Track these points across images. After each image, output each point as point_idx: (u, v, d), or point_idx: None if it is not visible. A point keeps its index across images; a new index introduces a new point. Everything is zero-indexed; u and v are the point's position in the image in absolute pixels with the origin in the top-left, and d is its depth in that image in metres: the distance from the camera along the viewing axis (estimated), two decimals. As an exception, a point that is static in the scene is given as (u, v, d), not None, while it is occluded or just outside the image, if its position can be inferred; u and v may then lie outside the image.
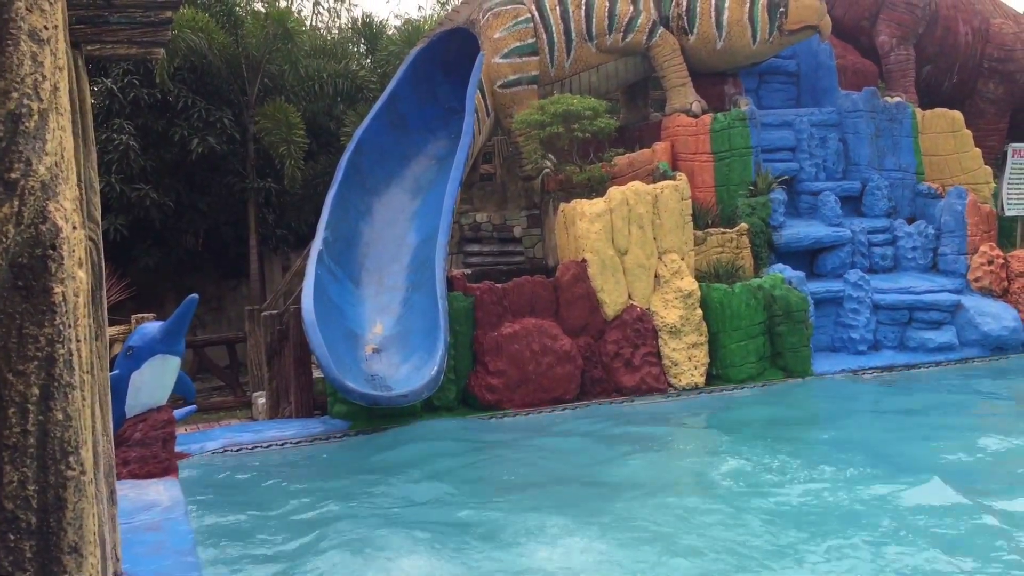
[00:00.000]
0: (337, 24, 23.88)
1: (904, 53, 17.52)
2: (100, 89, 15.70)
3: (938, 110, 16.32)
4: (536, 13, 15.03)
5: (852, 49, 18.01)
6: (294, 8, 21.72)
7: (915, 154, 15.79)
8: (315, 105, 18.52)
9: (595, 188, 13.52)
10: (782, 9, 14.63)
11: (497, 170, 16.39)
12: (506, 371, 11.86)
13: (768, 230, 14.14)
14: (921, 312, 14.00)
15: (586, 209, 12.71)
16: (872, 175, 15.33)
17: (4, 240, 1.43)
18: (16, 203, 1.43)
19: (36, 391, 1.45)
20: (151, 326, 9.35)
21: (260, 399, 12.73)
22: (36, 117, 1.46)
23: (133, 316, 11.68)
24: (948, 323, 14.02)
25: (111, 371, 7.75)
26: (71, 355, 1.49)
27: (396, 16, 38.94)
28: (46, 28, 1.51)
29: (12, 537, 1.44)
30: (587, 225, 12.62)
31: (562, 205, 13.41)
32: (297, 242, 17.94)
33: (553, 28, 15.00)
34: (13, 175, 1.43)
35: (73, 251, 1.51)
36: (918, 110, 16.13)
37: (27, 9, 1.46)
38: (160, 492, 7.89)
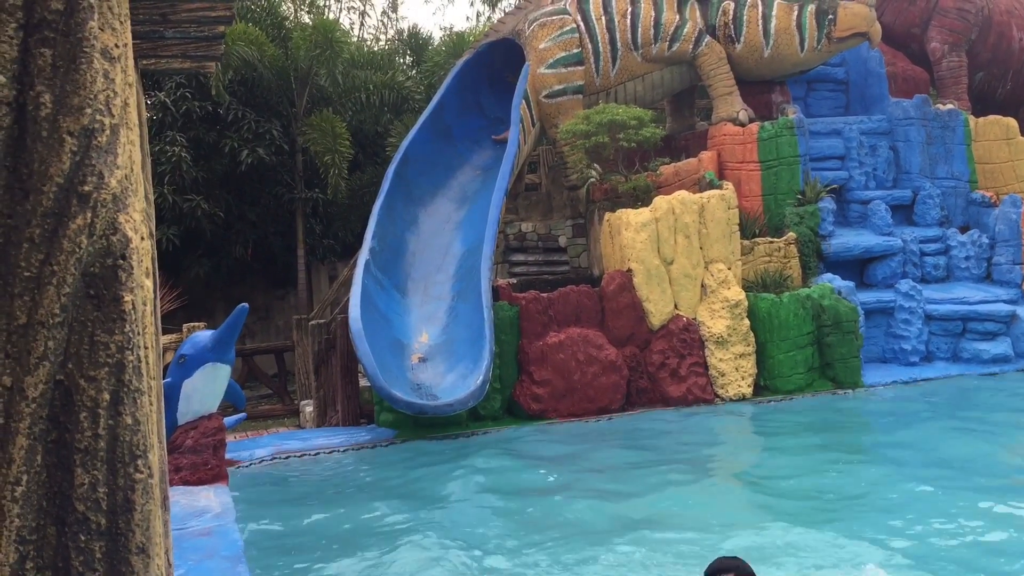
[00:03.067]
0: (384, 35, 24.14)
1: (956, 60, 17.24)
2: (154, 102, 16.05)
3: (992, 117, 16.04)
4: (582, 23, 15.06)
5: (902, 56, 17.77)
6: (343, 21, 21.99)
7: (968, 162, 15.52)
8: (361, 116, 18.74)
9: (640, 198, 13.49)
10: (831, 16, 14.50)
11: (542, 180, 16.43)
12: (551, 380, 11.85)
13: (817, 239, 13.98)
14: (975, 323, 13.73)
15: (632, 219, 12.68)
16: (924, 183, 15.09)
17: (77, 251, 1.48)
18: (89, 215, 1.48)
19: (107, 396, 1.50)
20: (202, 335, 9.52)
21: (308, 407, 12.87)
22: (108, 132, 1.51)
23: (185, 325, 11.91)
24: (1003, 334, 13.72)
25: (164, 379, 7.90)
26: (140, 361, 1.54)
27: (441, 28, 39.24)
28: (117, 47, 1.56)
29: (83, 538, 1.49)
30: (633, 235, 12.59)
31: (607, 215, 13.39)
32: (344, 252, 18.14)
33: (599, 38, 15.01)
34: (86, 188, 1.48)
35: (141, 261, 1.56)
36: (971, 117, 15.86)
37: (100, 28, 1.51)
38: (211, 498, 8.01)
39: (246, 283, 18.04)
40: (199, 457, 8.89)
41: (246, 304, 9.02)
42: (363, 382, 12.12)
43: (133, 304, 1.52)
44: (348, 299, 12.01)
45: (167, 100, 16.28)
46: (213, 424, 9.11)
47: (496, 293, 12.23)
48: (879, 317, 13.80)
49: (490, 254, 12.32)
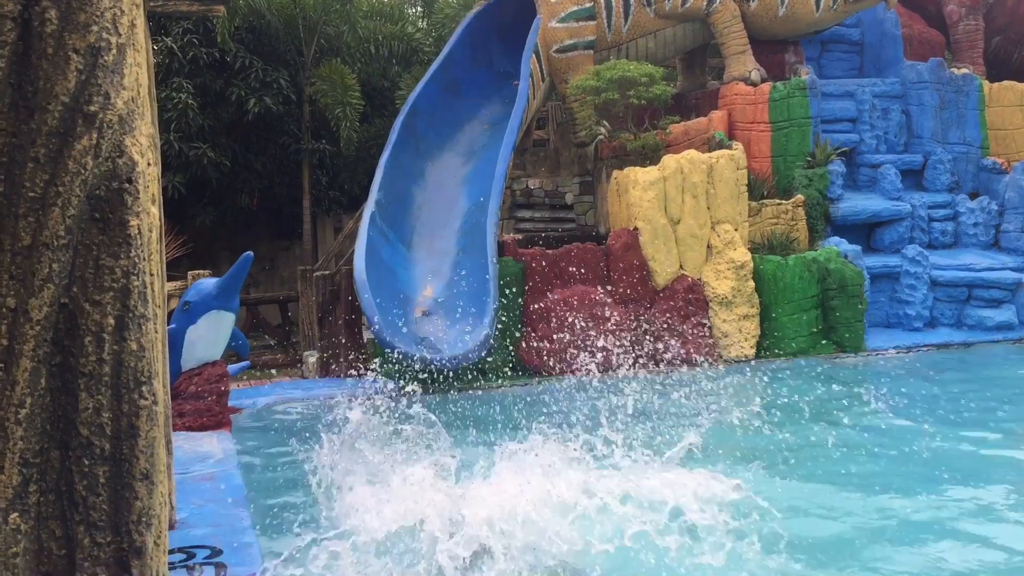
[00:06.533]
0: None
1: (973, 23, 16.99)
2: (161, 48, 15.88)
3: (1006, 83, 15.85)
4: (594, -23, 14.84)
5: (919, 18, 17.52)
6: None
7: (981, 128, 15.36)
8: (370, 67, 18.55)
9: (649, 156, 13.39)
10: (848, -24, 14.27)
11: (550, 136, 16.30)
12: (555, 337, 11.86)
13: (825, 202, 13.90)
14: (980, 290, 13.69)
15: (639, 177, 12.60)
16: (935, 148, 14.96)
17: (83, 172, 1.45)
18: (95, 136, 1.45)
19: (112, 321, 1.48)
20: (207, 282, 9.53)
21: (311, 358, 12.90)
22: (114, 51, 1.47)
23: (189, 272, 11.91)
24: (1008, 302, 13.69)
25: (168, 325, 7.91)
26: (145, 287, 1.52)
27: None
28: (124, -36, 1.52)
29: (87, 462, 1.48)
30: (640, 193, 12.52)
31: (615, 172, 13.31)
32: (350, 204, 18.07)
33: (611, -8, 14.80)
34: (92, 108, 1.45)
35: (148, 186, 1.54)
36: (985, 82, 15.67)
37: (106, -56, 1.47)
38: (213, 444, 8.07)
39: (251, 233, 18.01)
40: (202, 403, 8.95)
41: (251, 253, 9.00)
42: (367, 334, 12.15)
43: (139, 229, 1.50)
44: (353, 251, 12.00)
45: (174, 46, 16.11)
46: (217, 371, 9.15)
47: (502, 249, 12.20)
48: (885, 282, 13.76)
49: (496, 209, 12.27)
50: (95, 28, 1.45)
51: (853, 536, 5.84)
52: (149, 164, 1.56)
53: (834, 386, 10.48)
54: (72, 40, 1.43)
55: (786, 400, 9.43)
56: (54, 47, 1.42)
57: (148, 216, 1.54)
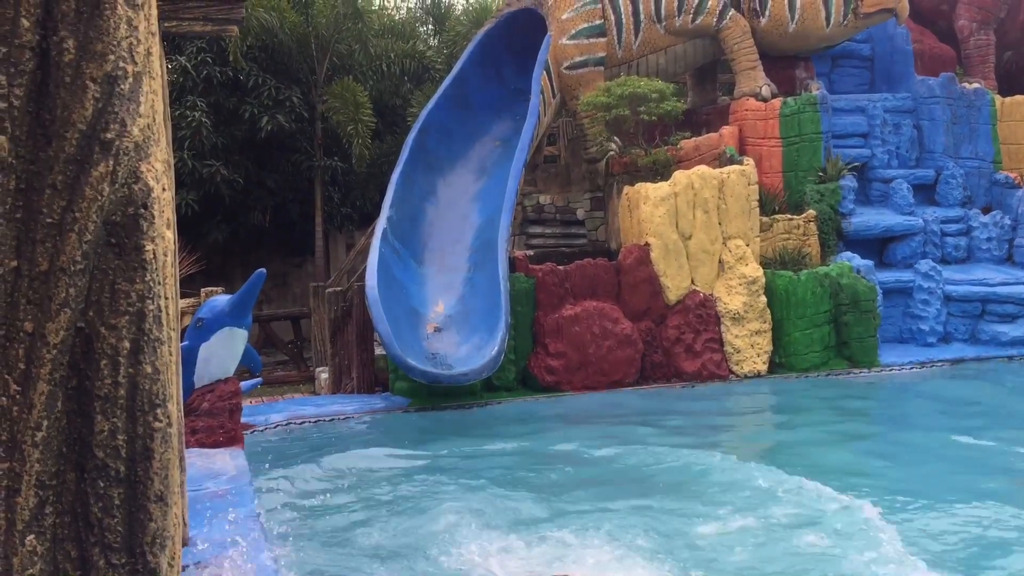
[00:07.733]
0: (405, 4, 23.96)
1: (984, 38, 16.98)
2: (175, 67, 16.02)
3: (1018, 97, 15.80)
4: (605, -6, 14.90)
5: (929, 33, 17.52)
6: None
7: (993, 142, 15.32)
8: (382, 85, 18.66)
9: (660, 172, 13.41)
10: (858, -9, 14.29)
11: (561, 152, 16.35)
12: (566, 353, 11.86)
13: (837, 217, 13.88)
14: (994, 305, 13.62)
15: (650, 193, 12.61)
16: (947, 163, 14.92)
17: (99, 198, 1.48)
18: (111, 163, 1.47)
19: (127, 345, 1.50)
20: (220, 299, 9.54)
21: (323, 374, 12.93)
22: (131, 80, 1.50)
23: (202, 289, 11.95)
24: (1023, 316, 13.61)
25: (181, 342, 7.94)
26: (160, 311, 1.54)
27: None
28: (141, -6, 1.55)
29: (102, 484, 1.50)
30: (651, 209, 12.53)
31: (626, 188, 13.33)
32: (362, 221, 18.15)
33: (621, 9, 14.86)
34: (109, 135, 1.47)
35: (163, 211, 1.56)
36: (997, 97, 15.64)
37: (124, -25, 1.50)
38: (226, 461, 8.07)
39: (264, 249, 18.10)
40: (215, 420, 8.94)
41: (264, 269, 9.01)
42: (378, 350, 12.17)
43: (154, 254, 1.52)
44: (365, 267, 12.03)
45: (188, 65, 16.25)
46: (229, 388, 9.15)
47: (513, 264, 12.22)
48: (898, 297, 13.71)
49: (508, 225, 12.29)
50: (112, 57, 1.47)
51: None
52: (164, 189, 1.58)
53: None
54: (89, 69, 1.46)
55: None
56: (72, 76, 1.45)
57: (163, 240, 1.57)
